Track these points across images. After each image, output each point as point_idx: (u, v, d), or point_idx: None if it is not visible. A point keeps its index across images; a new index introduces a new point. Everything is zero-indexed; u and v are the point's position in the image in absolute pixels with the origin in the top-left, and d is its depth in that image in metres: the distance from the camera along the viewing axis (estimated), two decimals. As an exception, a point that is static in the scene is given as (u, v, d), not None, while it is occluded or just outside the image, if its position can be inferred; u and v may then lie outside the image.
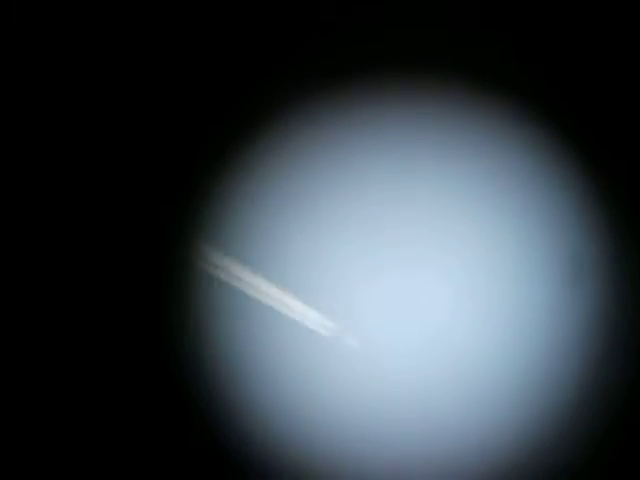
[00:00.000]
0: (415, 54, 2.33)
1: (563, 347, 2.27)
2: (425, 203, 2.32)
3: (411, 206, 2.33)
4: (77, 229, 2.35)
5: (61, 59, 2.36)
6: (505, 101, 2.31)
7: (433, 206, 2.33)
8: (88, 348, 2.34)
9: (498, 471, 2.25)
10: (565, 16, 2.31)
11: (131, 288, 2.34)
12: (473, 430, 2.27)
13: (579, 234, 2.30)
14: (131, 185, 2.36)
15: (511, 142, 2.32)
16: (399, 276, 2.32)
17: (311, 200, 2.33)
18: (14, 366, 2.33)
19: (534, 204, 2.31)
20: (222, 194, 2.35)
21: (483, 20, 2.32)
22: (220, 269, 2.32)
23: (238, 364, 2.32)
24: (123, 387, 2.33)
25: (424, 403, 2.28)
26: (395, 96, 2.33)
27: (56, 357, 2.34)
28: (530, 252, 2.31)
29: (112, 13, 2.34)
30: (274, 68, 2.36)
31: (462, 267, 2.32)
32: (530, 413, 2.26)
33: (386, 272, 2.32)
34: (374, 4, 2.33)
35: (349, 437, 2.29)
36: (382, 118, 2.33)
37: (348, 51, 2.34)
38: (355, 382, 2.30)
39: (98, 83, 2.36)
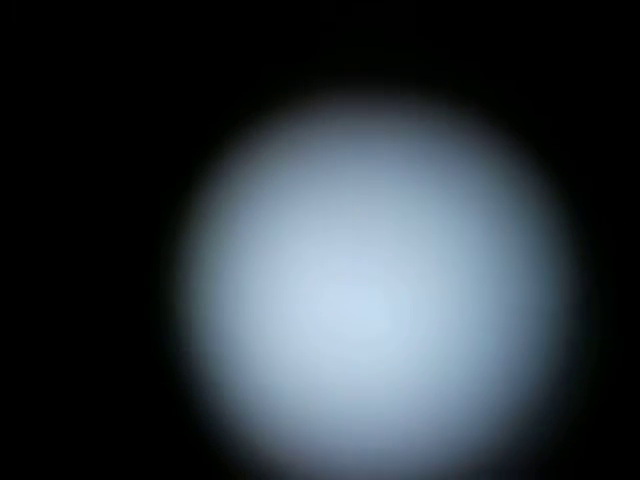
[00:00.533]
0: (409, 67, 2.35)
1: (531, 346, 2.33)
2: (412, 211, 2.36)
3: (399, 215, 2.35)
4: (69, 220, 2.35)
5: (56, 52, 2.34)
6: (499, 134, 2.36)
7: (419, 213, 2.36)
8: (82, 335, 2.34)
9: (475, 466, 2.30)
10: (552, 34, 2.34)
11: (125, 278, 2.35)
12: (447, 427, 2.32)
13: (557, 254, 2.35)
14: (125, 178, 2.35)
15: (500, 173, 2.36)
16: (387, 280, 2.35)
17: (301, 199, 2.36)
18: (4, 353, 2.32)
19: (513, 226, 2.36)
20: (217, 190, 2.36)
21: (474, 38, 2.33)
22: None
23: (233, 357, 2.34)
24: (119, 379, 2.34)
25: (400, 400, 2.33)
26: (385, 106, 2.35)
27: (47, 345, 2.34)
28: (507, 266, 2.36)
29: (109, 7, 2.32)
30: (269, 68, 2.35)
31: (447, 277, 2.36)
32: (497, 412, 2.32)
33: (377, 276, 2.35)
34: (373, 16, 2.33)
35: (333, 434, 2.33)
36: (372, 127, 2.35)
37: (345, 55, 2.34)
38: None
39: (93, 77, 2.34)
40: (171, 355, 2.34)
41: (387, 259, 2.34)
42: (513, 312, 2.32)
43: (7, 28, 2.32)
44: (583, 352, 2.31)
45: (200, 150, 2.35)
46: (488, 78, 2.33)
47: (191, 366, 2.33)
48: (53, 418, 2.32)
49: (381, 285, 2.34)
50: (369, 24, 2.33)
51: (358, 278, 2.34)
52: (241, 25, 2.33)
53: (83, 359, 2.33)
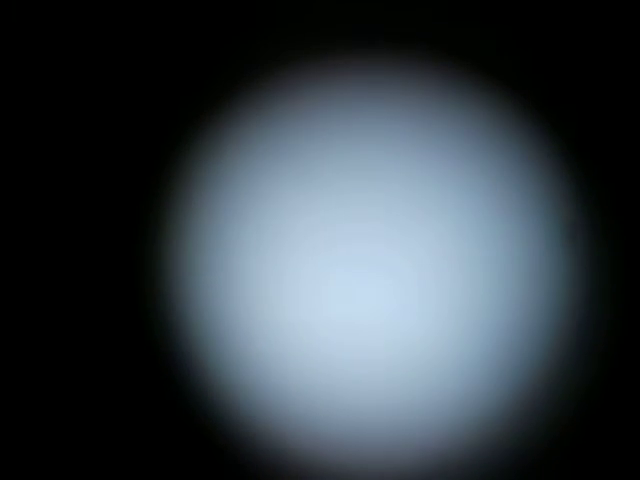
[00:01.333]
0: (412, 38, 2.32)
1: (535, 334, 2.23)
2: (416, 179, 2.30)
3: (402, 187, 2.31)
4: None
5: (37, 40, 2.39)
6: (496, 90, 2.29)
7: (425, 178, 2.30)
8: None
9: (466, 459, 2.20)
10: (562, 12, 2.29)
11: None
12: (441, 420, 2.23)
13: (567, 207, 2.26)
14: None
15: (500, 126, 2.29)
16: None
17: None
18: None
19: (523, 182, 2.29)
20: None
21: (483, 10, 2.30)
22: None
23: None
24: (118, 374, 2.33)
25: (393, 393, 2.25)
26: (387, 82, 2.32)
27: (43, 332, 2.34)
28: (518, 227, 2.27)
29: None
30: (266, 37, 2.35)
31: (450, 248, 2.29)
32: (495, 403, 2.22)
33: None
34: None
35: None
36: (373, 105, 2.31)
37: (343, 27, 2.33)
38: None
39: (73, 66, 2.38)
40: (169, 351, 2.33)
41: (388, 251, 2.29)
42: (518, 304, 2.25)
43: (7, 28, 2.38)
44: (589, 346, 2.24)
45: (188, 131, 2.36)
46: (489, 64, 2.29)
47: (189, 363, 2.31)
48: (46, 417, 2.32)
49: (383, 282, 2.30)
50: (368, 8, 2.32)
51: (359, 273, 2.29)
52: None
53: (75, 360, 2.33)
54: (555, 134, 2.26)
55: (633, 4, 2.23)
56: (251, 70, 2.32)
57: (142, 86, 2.36)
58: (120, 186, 2.35)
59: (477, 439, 2.21)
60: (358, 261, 2.28)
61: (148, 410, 2.29)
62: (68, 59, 2.36)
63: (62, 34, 2.37)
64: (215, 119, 2.34)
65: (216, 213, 2.32)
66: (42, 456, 2.28)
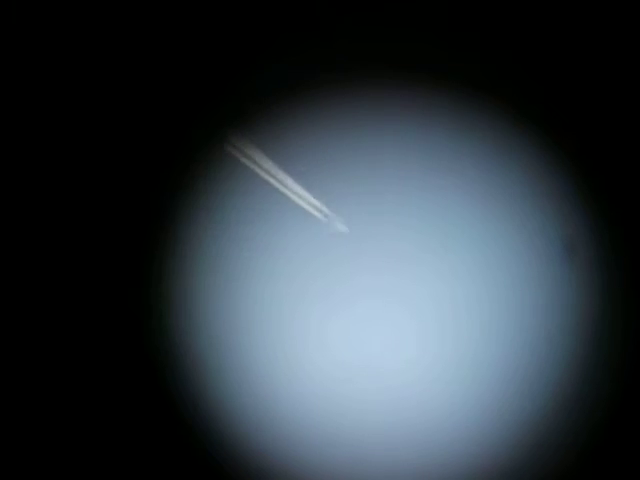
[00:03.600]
0: (412, 59, 2.31)
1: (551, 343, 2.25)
2: (419, 185, 2.30)
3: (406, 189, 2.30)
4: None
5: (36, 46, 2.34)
6: (494, 98, 2.30)
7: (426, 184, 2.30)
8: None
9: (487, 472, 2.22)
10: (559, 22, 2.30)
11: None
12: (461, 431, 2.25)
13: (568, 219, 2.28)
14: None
15: (499, 133, 2.30)
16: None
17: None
18: None
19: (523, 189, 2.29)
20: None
21: (480, 25, 2.30)
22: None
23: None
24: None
25: (411, 402, 2.26)
26: (390, 99, 2.31)
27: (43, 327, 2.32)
28: (520, 238, 2.28)
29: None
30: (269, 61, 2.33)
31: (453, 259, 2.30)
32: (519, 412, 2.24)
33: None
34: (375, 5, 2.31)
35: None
36: (376, 121, 2.30)
37: (346, 50, 2.31)
38: (341, 267, 2.25)
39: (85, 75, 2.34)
40: (168, 362, 2.31)
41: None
42: (522, 322, 2.26)
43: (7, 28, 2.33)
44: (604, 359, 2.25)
45: (198, 151, 2.33)
46: (488, 74, 2.30)
47: (191, 377, 2.30)
48: (44, 419, 2.30)
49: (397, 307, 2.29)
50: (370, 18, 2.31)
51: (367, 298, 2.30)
52: (236, 19, 2.32)
53: (75, 365, 2.31)
54: (555, 147, 2.29)
55: (633, 19, 2.26)
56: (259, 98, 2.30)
57: (160, 101, 2.33)
58: (128, 205, 2.32)
59: (489, 464, 2.23)
60: (365, 289, 2.28)
61: (146, 427, 2.28)
62: (76, 72, 2.33)
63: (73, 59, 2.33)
64: (226, 144, 2.32)
65: (224, 235, 2.31)
66: (40, 459, 2.28)
